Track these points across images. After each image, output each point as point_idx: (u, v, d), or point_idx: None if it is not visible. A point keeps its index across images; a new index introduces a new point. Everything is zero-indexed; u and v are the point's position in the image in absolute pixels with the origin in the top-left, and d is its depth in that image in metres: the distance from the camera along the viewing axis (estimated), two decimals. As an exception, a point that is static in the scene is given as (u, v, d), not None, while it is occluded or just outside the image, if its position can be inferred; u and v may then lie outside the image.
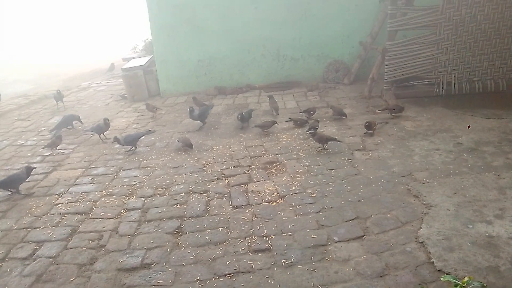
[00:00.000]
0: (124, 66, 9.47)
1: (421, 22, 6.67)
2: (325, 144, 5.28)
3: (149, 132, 6.33)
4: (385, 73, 7.07)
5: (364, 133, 5.64)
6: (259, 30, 8.48)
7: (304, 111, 6.64)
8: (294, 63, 8.75)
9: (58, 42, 21.60)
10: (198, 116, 6.54)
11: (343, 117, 6.38)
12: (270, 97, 7.23)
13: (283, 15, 8.36)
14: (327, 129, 6.00)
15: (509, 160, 4.57)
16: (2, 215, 4.45)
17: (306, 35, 8.48)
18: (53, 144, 6.14)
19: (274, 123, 6.13)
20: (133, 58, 11.32)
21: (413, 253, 3.21)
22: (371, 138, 5.52)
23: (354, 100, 7.36)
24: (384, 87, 7.17)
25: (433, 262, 3.06)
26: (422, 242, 3.30)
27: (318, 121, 5.92)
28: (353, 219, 3.73)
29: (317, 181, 4.50)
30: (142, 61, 9.78)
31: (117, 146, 6.14)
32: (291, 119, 6.34)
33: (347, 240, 3.45)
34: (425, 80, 7.03)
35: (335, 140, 5.28)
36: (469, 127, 5.31)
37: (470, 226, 3.44)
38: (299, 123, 6.24)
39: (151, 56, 10.14)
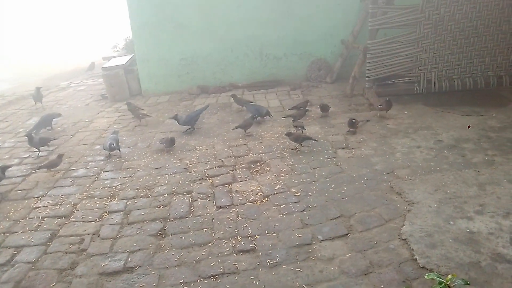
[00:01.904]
0: (105, 65, 9.30)
1: (401, 21, 6.74)
2: (301, 143, 5.29)
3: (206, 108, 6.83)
4: (367, 71, 7.12)
5: (347, 131, 5.67)
6: (242, 28, 8.44)
7: (293, 107, 6.67)
8: (277, 62, 8.75)
9: (35, 40, 21.07)
10: (187, 122, 6.36)
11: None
12: (233, 96, 7.34)
13: (266, 14, 8.34)
14: (310, 127, 6.02)
15: (488, 156, 4.66)
16: (-22, 220, 4.31)
17: (289, 34, 8.48)
18: (52, 165, 5.33)
19: (254, 118, 6.11)
20: (114, 57, 11.14)
21: (397, 250, 3.24)
22: (354, 136, 5.56)
23: (337, 98, 7.40)
24: (366, 85, 7.23)
25: (416, 259, 3.10)
26: (405, 239, 3.33)
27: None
28: (337, 218, 3.75)
29: (301, 180, 4.50)
30: (123, 60, 9.62)
31: (97, 147, 6.03)
32: (289, 116, 6.33)
33: (332, 239, 3.46)
34: (405, 78, 7.11)
35: (311, 139, 5.30)
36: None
37: (452, 223, 3.50)
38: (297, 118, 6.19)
39: (132, 55, 9.97)
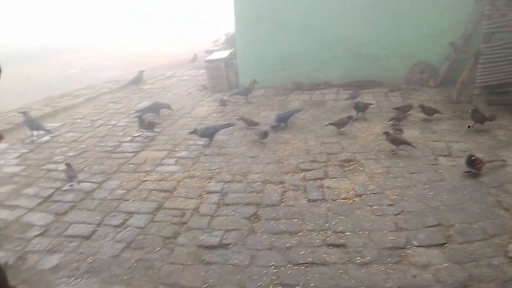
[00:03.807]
0: (207, 58, 9.90)
1: (523, 24, 6.15)
2: (398, 146, 5.11)
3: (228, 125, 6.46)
4: (477, 77, 6.61)
5: (465, 172, 4.46)
6: (342, 27, 8.37)
7: (396, 108, 6.51)
8: (376, 62, 8.50)
9: (146, 32, 23.12)
10: (279, 120, 6.41)
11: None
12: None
13: (369, 13, 8.15)
14: (409, 132, 5.78)
15: None
16: (98, 186, 4.95)
17: (391, 34, 8.19)
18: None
19: (351, 118, 6.06)
20: (215, 50, 11.78)
21: (501, 267, 3.02)
22: (458, 144, 5.22)
23: (440, 103, 6.96)
24: (475, 92, 6.72)
25: (524, 280, 2.86)
26: (512, 258, 3.09)
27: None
28: (434, 226, 3.59)
29: (397, 184, 4.38)
30: (224, 53, 10.14)
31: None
32: (392, 119, 6.10)
33: (428, 246, 3.34)
34: (523, 87, 6.47)
35: (409, 144, 5.06)
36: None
37: None
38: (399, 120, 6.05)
39: (232, 49, 10.47)
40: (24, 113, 6.98)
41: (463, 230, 3.49)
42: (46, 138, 6.91)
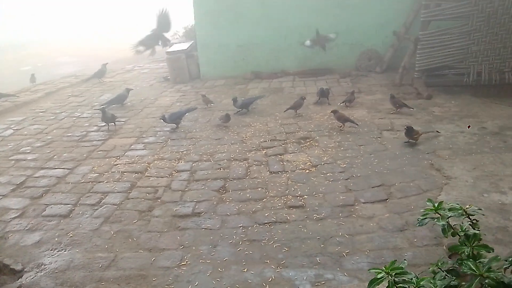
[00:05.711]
0: (168, 50, 10.12)
1: (454, 13, 6.91)
2: (344, 124, 5.71)
3: (192, 109, 6.94)
4: (417, 62, 7.35)
5: (405, 142, 5.12)
6: (296, 17, 8.91)
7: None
8: (328, 50, 9.06)
9: (95, 27, 22.69)
10: (242, 105, 6.89)
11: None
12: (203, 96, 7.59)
13: (321, 4, 8.74)
14: (358, 111, 6.41)
15: (531, 143, 4.86)
16: (70, 171, 5.16)
17: (341, 23, 8.80)
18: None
19: (304, 98, 6.66)
20: (175, 43, 11.97)
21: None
22: (399, 120, 5.89)
23: (385, 87, 7.69)
24: (415, 76, 7.47)
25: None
26: (440, 206, 3.71)
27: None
28: (378, 186, 4.19)
29: (347, 154, 4.96)
30: (185, 45, 10.40)
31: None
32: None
33: (372, 202, 3.92)
34: (455, 70, 7.26)
35: (353, 122, 5.65)
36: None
37: (486, 195, 3.82)
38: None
39: (192, 41, 10.74)
40: None
41: (402, 188, 4.10)
42: (9, 131, 6.94)
